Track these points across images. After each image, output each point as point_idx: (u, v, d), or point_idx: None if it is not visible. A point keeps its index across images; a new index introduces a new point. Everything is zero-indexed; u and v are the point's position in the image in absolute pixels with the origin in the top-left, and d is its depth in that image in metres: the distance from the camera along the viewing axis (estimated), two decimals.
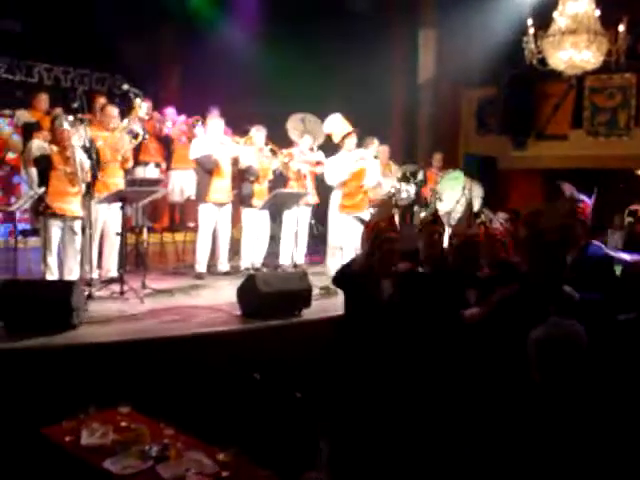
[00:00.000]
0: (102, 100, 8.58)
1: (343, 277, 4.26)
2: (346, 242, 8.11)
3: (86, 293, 6.04)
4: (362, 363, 3.85)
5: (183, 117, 9.53)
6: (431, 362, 3.80)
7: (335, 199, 8.35)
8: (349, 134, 8.32)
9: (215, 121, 8.16)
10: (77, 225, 6.67)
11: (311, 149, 8.94)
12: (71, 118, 6.61)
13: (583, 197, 4.55)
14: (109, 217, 7.10)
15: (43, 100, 8.54)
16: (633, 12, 8.36)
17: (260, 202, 8.03)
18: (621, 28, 8.16)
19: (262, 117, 8.97)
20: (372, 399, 3.66)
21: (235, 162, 8.13)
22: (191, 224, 9.33)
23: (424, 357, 3.82)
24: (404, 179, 9.64)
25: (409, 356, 3.83)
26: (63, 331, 5.07)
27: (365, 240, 4.26)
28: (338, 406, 3.80)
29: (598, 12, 8.23)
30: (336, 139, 8.40)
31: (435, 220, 4.64)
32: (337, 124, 8.44)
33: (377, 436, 3.49)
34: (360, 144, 8.48)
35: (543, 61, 8.58)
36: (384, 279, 4.14)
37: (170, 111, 9.61)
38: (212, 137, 8.03)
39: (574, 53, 8.29)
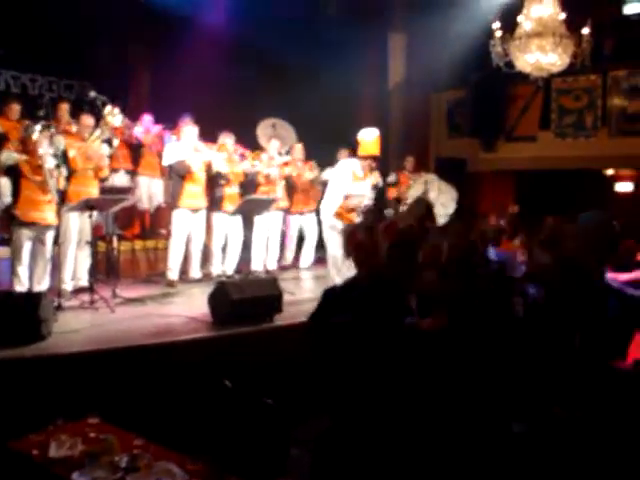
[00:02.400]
0: (65, 106, 8.51)
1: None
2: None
3: (55, 304, 6.00)
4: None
5: (159, 127, 9.48)
6: None
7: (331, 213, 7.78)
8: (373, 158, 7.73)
9: (189, 127, 8.16)
10: (48, 235, 6.61)
11: (279, 153, 8.97)
12: (39, 127, 6.53)
13: None
14: (81, 225, 7.05)
15: (15, 110, 8.43)
16: (596, 15, 8.49)
17: (232, 207, 8.04)
18: (585, 31, 8.27)
19: (232, 123, 8.96)
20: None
21: (208, 168, 8.12)
22: (162, 231, 9.30)
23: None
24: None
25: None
26: (31, 342, 5.02)
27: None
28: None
29: (563, 15, 8.34)
30: (361, 151, 7.74)
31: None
32: (371, 139, 7.78)
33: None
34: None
35: (510, 64, 8.67)
36: None
37: (147, 118, 9.52)
38: (186, 143, 8.02)
39: (540, 56, 8.38)
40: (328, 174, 9.09)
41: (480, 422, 3.12)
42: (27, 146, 6.47)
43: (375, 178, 8.14)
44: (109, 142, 7.35)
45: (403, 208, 9.57)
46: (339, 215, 7.50)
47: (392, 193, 10.36)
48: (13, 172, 6.49)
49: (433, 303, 3.94)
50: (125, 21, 10.54)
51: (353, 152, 8.25)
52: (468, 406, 3.10)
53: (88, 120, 7.29)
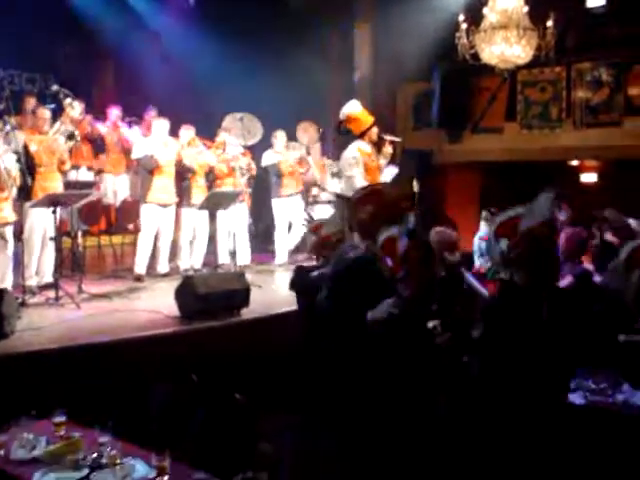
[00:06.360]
0: (32, 101, 8.37)
1: None
2: None
3: (19, 300, 5.91)
4: None
5: (126, 127, 9.35)
6: None
7: None
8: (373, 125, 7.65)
9: (160, 121, 8.14)
10: (8, 231, 6.50)
11: (243, 146, 8.98)
12: None
13: None
14: (45, 221, 6.93)
15: None
16: (560, 8, 8.58)
17: (200, 199, 8.00)
18: (549, 24, 8.36)
19: (196, 113, 8.91)
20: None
21: (179, 163, 8.06)
22: (129, 226, 9.20)
23: None
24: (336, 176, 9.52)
25: None
26: None
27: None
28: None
29: (526, 8, 8.41)
30: (357, 127, 7.57)
31: None
32: (359, 110, 7.72)
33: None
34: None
35: (476, 56, 8.72)
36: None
37: (114, 113, 9.38)
38: (156, 137, 8.00)
39: (505, 48, 8.45)
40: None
41: None
42: None
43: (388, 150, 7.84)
44: (71, 136, 7.24)
45: None
46: None
47: None
48: None
49: None
50: (87, 13, 10.40)
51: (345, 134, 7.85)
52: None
53: (44, 113, 7.14)
